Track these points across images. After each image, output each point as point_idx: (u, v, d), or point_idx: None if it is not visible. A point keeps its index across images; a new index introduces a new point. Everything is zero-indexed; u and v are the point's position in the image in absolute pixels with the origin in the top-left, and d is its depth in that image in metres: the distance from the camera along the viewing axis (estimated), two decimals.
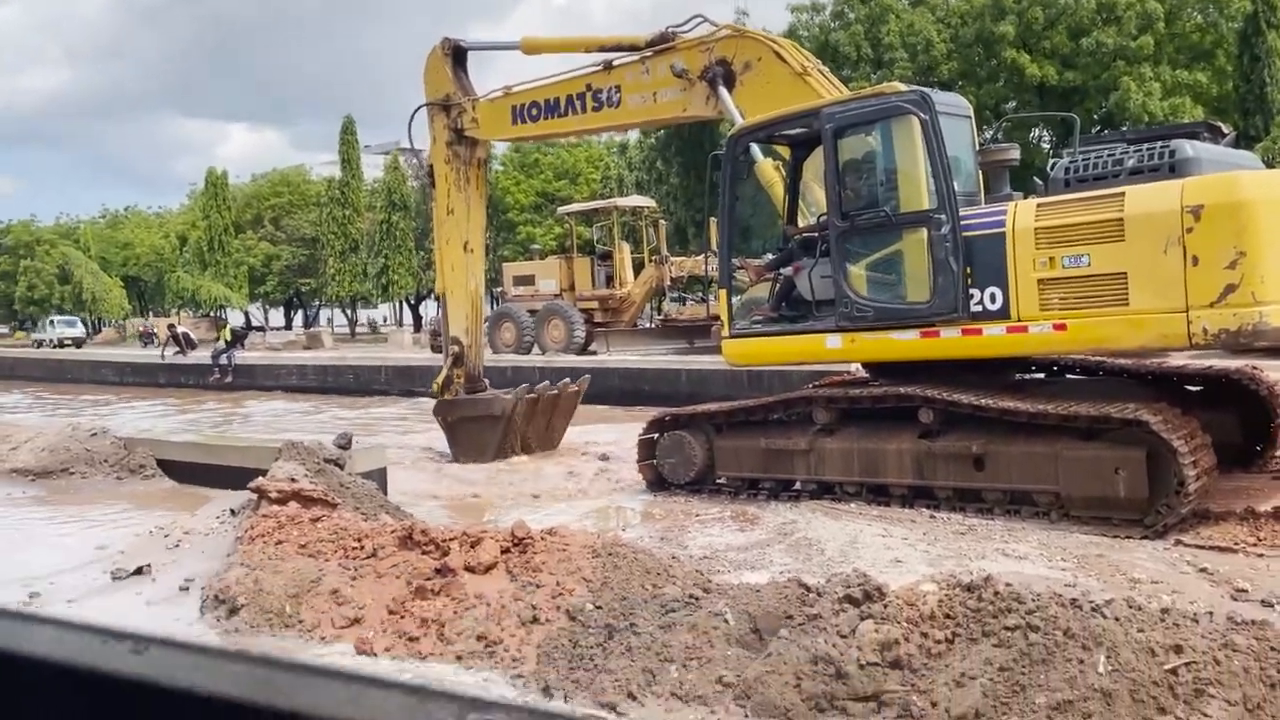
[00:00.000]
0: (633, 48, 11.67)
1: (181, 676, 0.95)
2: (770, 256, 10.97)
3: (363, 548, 6.88)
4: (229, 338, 30.94)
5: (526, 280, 30.47)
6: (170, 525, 8.92)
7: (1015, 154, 9.66)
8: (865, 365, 10.56)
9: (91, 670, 0.99)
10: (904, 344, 9.15)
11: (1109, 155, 8.55)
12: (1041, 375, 10.67)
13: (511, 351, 27.43)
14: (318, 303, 68.26)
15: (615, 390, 20.63)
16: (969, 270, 8.72)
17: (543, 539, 6.52)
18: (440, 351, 15.64)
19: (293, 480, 8.18)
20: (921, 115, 8.86)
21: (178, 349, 33.22)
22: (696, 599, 5.53)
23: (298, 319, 72.40)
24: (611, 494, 11.04)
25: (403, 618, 6.14)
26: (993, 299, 8.65)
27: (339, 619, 6.28)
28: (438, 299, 14.47)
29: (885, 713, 4.58)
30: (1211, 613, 4.91)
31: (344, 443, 10.11)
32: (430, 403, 14.55)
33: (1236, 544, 7.50)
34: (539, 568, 6.20)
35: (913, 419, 9.06)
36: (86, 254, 62.48)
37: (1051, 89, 33.58)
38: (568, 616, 5.68)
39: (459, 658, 5.67)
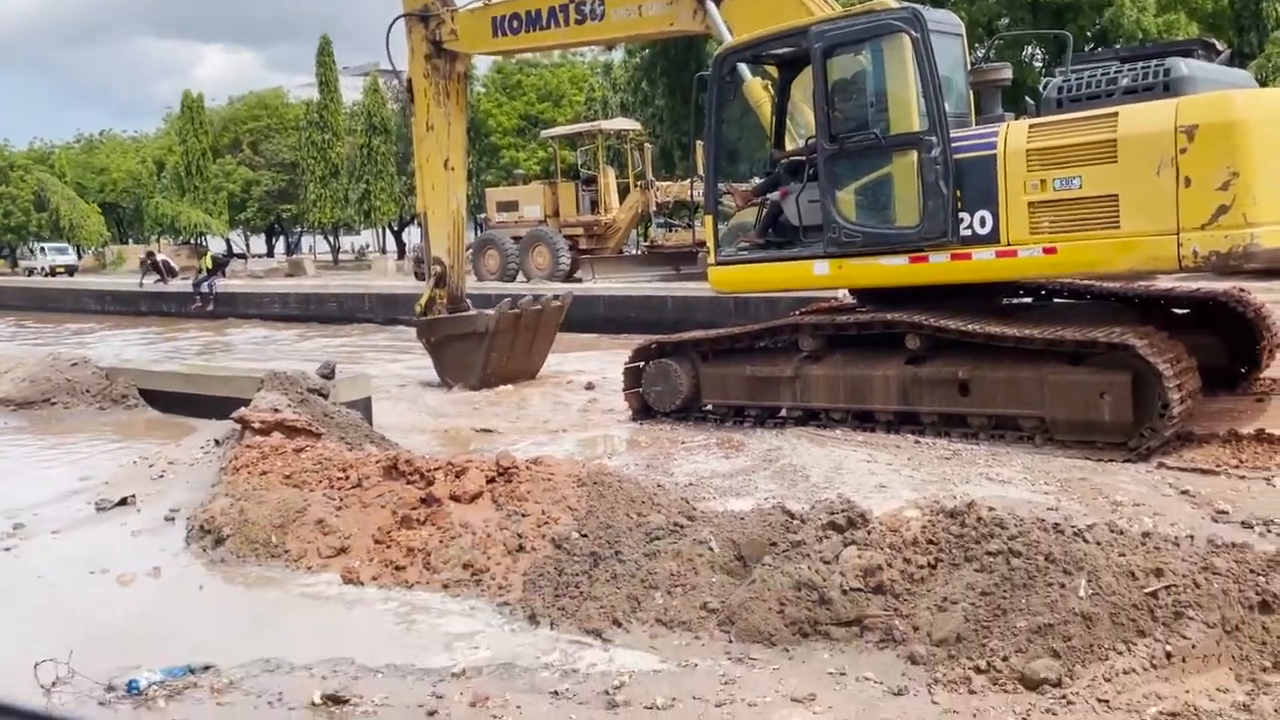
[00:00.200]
0: None
1: None
2: (757, 181, 10.80)
3: (348, 478, 6.87)
4: (209, 265, 30.60)
5: (510, 206, 30.11)
6: (154, 455, 8.88)
7: (1008, 73, 9.48)
8: (852, 291, 10.50)
9: None
10: (892, 269, 9.08)
11: (1102, 74, 8.40)
12: (1029, 300, 10.64)
13: (496, 279, 27.23)
14: (299, 229, 67.47)
15: (601, 318, 20.54)
16: (959, 193, 8.62)
17: (528, 468, 6.51)
18: (424, 279, 15.47)
19: (276, 410, 8.12)
20: (912, 33, 8.66)
21: (158, 277, 32.86)
22: (681, 527, 5.54)
23: (279, 246, 71.63)
24: (597, 423, 11.04)
25: (389, 547, 6.15)
26: (982, 223, 8.57)
27: (325, 549, 6.29)
28: (419, 222, 14.23)
29: (868, 637, 4.62)
30: (1192, 536, 4.95)
31: (327, 372, 10.03)
32: (414, 332, 14.44)
33: (1218, 466, 7.56)
34: (524, 497, 6.20)
35: (899, 345, 9.04)
36: (62, 180, 61.33)
37: (1045, 5, 32.96)
38: (553, 545, 5.70)
39: (445, 586, 5.70)
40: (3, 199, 60.04)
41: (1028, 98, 9.76)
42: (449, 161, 13.27)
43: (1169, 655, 4.10)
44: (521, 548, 5.79)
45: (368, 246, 71.83)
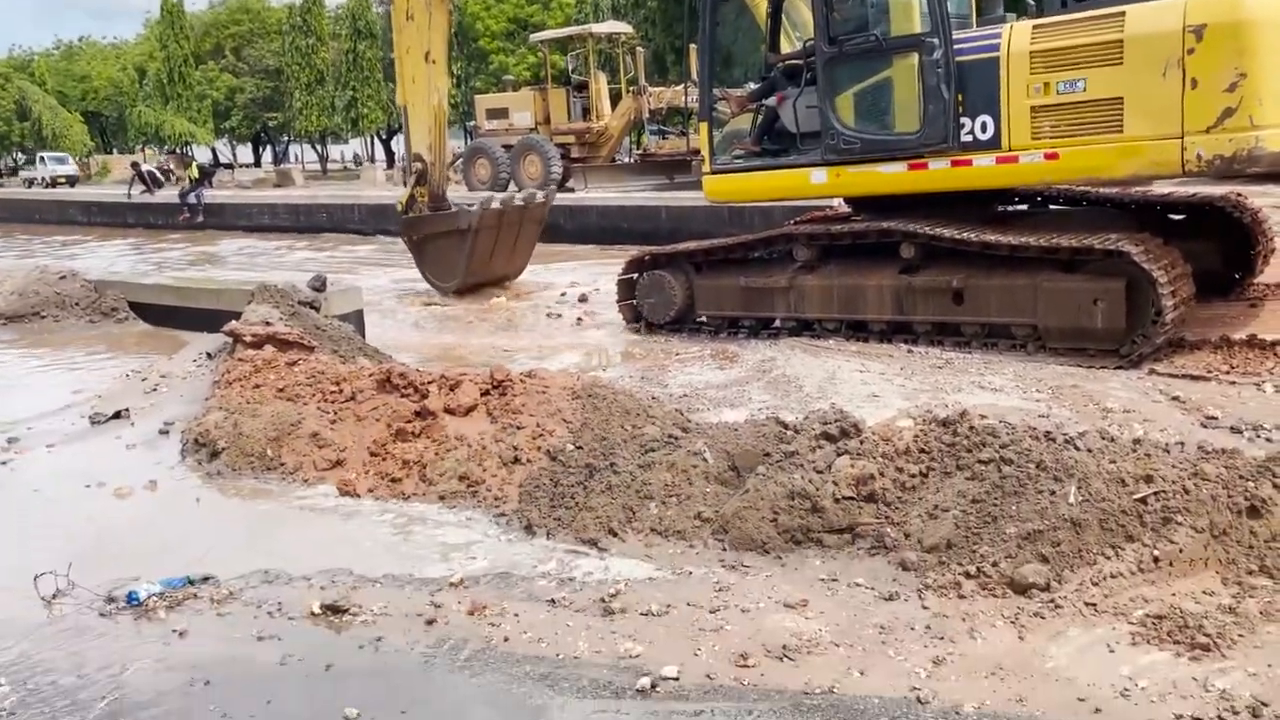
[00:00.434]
0: None
1: None
2: (753, 86, 10.56)
3: (341, 391, 6.86)
4: (196, 175, 30.11)
5: (500, 113, 29.52)
6: (147, 369, 8.85)
7: None
8: (848, 200, 10.37)
9: None
10: (891, 177, 8.95)
11: None
12: (1025, 206, 10.54)
13: (487, 189, 26.85)
14: (286, 138, 66.29)
15: (593, 229, 20.33)
16: (960, 98, 8.46)
17: (522, 381, 6.50)
18: None
19: (268, 324, 8.07)
20: None
21: (144, 187, 32.36)
22: (676, 438, 5.56)
23: (266, 156, 70.48)
24: (591, 335, 11.01)
25: (384, 460, 6.18)
26: (983, 128, 8.43)
27: (321, 461, 6.32)
28: (401, 118, 13.84)
29: (860, 544, 4.68)
30: (1183, 443, 4.98)
31: (318, 285, 9.95)
32: (404, 243, 14.27)
33: (1209, 372, 7.59)
34: (519, 410, 6.20)
35: (893, 254, 8.97)
36: (43, 89, 59.98)
37: None
38: (548, 457, 5.72)
39: (442, 498, 5.74)
40: None
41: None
42: (430, 54, 12.80)
43: (1156, 560, 4.17)
44: (517, 460, 5.82)
45: (355, 156, 70.74)
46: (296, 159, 69.31)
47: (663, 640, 4.04)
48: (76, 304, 12.39)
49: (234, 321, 8.12)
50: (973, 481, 4.62)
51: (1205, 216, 9.72)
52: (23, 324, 12.22)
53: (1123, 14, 7.77)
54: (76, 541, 5.41)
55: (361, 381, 6.89)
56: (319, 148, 59.79)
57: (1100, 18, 7.88)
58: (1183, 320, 8.17)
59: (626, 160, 31.91)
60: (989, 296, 8.54)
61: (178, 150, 52.87)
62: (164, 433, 7.32)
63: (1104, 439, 4.80)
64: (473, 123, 34.75)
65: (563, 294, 13.45)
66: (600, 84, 28.55)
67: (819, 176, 9.30)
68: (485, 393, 6.48)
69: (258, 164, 66.90)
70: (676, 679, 3.74)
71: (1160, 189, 10.47)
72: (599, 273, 14.64)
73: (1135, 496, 4.37)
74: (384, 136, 59.78)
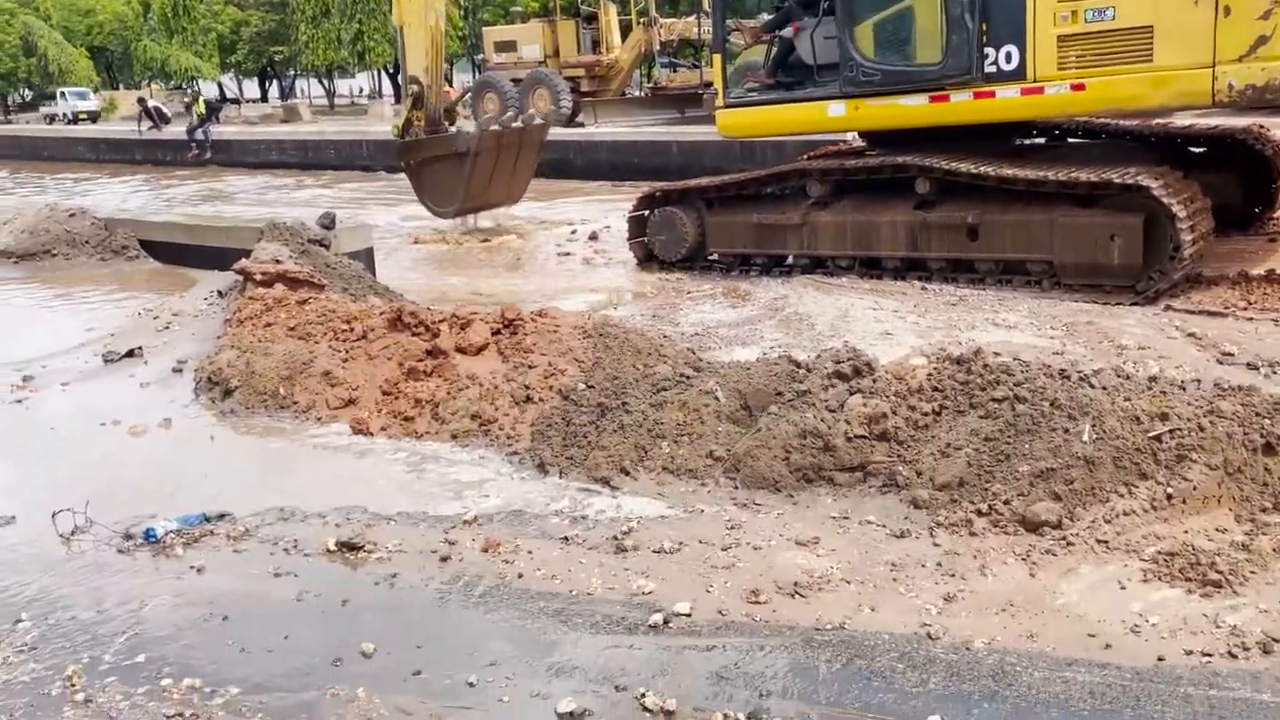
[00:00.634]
0: None
1: None
2: (767, 17, 10.33)
3: (352, 330, 6.85)
4: (203, 111, 29.82)
5: (508, 46, 29.03)
6: (158, 307, 8.86)
7: None
8: (862, 135, 10.20)
9: None
10: (912, 110, 8.75)
11: None
12: (1042, 140, 10.35)
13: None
14: (292, 73, 65.49)
15: (604, 164, 20.10)
16: (984, 27, 8.26)
17: (533, 320, 6.48)
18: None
19: (278, 262, 8.04)
20: None
21: (151, 123, 32.08)
22: (688, 377, 5.55)
23: (273, 91, 69.74)
24: (602, 273, 10.95)
25: (397, 398, 6.19)
26: (1008, 58, 8.24)
27: (333, 400, 6.34)
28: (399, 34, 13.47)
29: (871, 482, 4.69)
30: (1199, 380, 4.95)
31: (328, 222, 9.89)
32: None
33: (1226, 308, 7.52)
34: (530, 349, 6.19)
35: (908, 190, 8.85)
36: (48, 23, 59.20)
37: None
38: (560, 396, 5.72)
39: (454, 437, 5.76)
40: None
41: None
42: None
43: (1169, 497, 4.16)
44: (529, 399, 5.82)
45: (362, 90, 69.93)
46: (303, 94, 68.54)
47: (675, 577, 4.07)
48: (87, 242, 12.37)
49: (244, 260, 8.09)
50: (986, 420, 4.60)
51: (1226, 149, 9.56)
52: (34, 262, 12.22)
53: None
54: (93, 479, 5.46)
55: (372, 320, 6.88)
56: (326, 82, 59.08)
57: None
58: (1201, 255, 8.07)
59: (637, 94, 31.45)
60: (1004, 232, 8.44)
61: (184, 86, 52.31)
62: (177, 371, 7.35)
63: (1119, 376, 4.76)
64: (480, 56, 34.23)
65: (573, 231, 13.35)
66: (610, 15, 28.02)
67: (837, 110, 9.12)
68: (496, 332, 6.47)
69: (264, 99, 66.20)
70: (689, 615, 3.77)
71: (1181, 121, 10.27)
72: (609, 209, 14.52)
73: (1150, 434, 4.34)
74: (391, 71, 58.83)
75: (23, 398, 7.09)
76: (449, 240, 13.42)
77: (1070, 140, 10.38)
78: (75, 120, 44.54)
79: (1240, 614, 3.53)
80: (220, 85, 61.08)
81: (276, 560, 4.46)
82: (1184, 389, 4.69)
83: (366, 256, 10.22)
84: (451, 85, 48.92)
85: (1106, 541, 4.00)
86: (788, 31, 9.65)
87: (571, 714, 3.24)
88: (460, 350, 6.35)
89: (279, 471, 5.59)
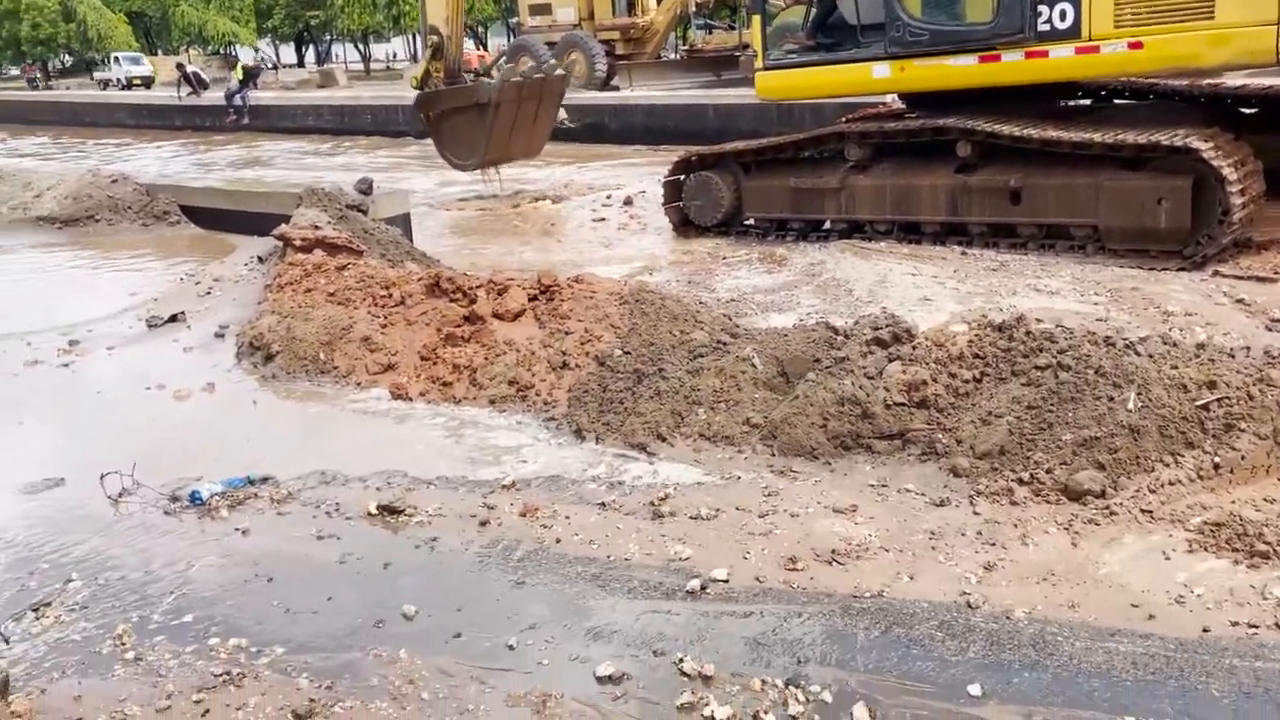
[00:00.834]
0: None
1: None
2: None
3: (391, 295, 6.89)
4: (241, 76, 29.94)
5: (543, 9, 28.81)
6: (200, 272, 8.97)
7: None
8: (903, 96, 10.01)
9: None
10: (961, 70, 8.54)
11: None
12: (1087, 101, 10.12)
13: None
14: (328, 38, 65.51)
15: (639, 129, 19.96)
16: None
17: (569, 286, 6.48)
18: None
19: (316, 227, 8.09)
20: None
21: (190, 89, 32.28)
22: (724, 344, 5.53)
23: (309, 56, 69.86)
24: (637, 238, 10.91)
25: (435, 364, 6.23)
26: (1062, 16, 8.01)
27: (373, 365, 6.39)
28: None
29: (910, 450, 4.65)
30: (1248, 347, 4.85)
31: (365, 188, 9.92)
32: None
33: (1276, 273, 7.35)
34: (567, 315, 6.19)
35: (948, 153, 8.70)
36: None
37: None
38: (597, 362, 5.73)
39: (492, 402, 5.79)
40: (30, 10, 58.60)
41: None
42: None
43: (1216, 467, 4.10)
44: (565, 365, 5.83)
45: (396, 55, 69.82)
46: (338, 58, 68.59)
47: (712, 543, 4.08)
48: (129, 207, 12.51)
49: (284, 225, 8.15)
50: (1028, 387, 4.55)
51: (1279, 109, 9.28)
52: (77, 227, 12.39)
53: None
54: (139, 442, 5.56)
55: (410, 286, 6.91)
56: (361, 47, 59.10)
57: None
58: (1251, 220, 7.88)
59: (672, 57, 31.14)
60: (1048, 196, 8.28)
61: (221, 51, 52.45)
62: (219, 336, 7.45)
63: (1165, 344, 4.68)
64: (515, 19, 34.02)
65: (608, 197, 13.29)
66: None
67: (881, 71, 8.93)
68: (533, 298, 6.48)
69: (300, 64, 66.34)
70: (726, 581, 3.78)
71: (1232, 81, 9.99)
72: (645, 174, 14.44)
73: (1197, 403, 4.27)
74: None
75: (70, 362, 7.22)
76: (483, 206, 13.42)
77: (1116, 101, 10.13)
78: (129, 85, 44.21)
79: None
80: (256, 50, 61.24)
81: (319, 523, 4.52)
82: (1232, 356, 4.61)
83: (404, 222, 10.25)
84: (486, 49, 48.71)
85: (1151, 511, 3.96)
86: None
87: (610, 677, 3.27)
88: (497, 316, 6.36)
89: (320, 435, 5.66)
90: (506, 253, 10.56)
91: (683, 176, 10.41)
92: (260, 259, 8.57)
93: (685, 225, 10.43)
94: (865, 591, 3.65)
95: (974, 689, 3.09)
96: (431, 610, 3.74)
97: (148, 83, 44.87)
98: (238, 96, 29.15)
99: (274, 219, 8.70)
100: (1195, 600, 3.44)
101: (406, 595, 3.84)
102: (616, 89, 24.68)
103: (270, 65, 56.25)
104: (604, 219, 11.89)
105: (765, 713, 3.04)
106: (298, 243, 7.83)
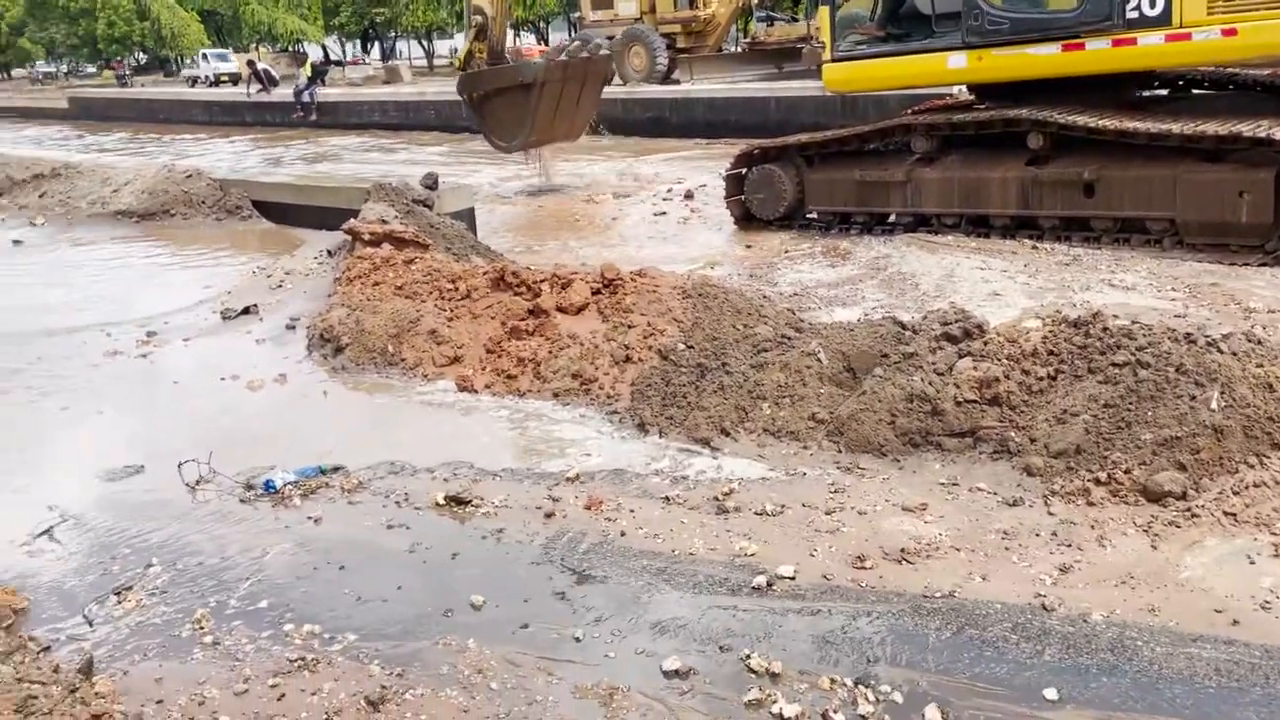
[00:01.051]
0: None
1: None
2: None
3: (457, 289, 6.96)
4: (309, 73, 30.48)
5: (605, 3, 28.80)
6: (271, 266, 9.15)
7: None
8: (972, 88, 9.83)
9: None
10: (1042, 59, 8.32)
11: None
12: (1164, 92, 9.84)
13: None
14: (393, 34, 66.36)
15: (700, 122, 19.91)
16: None
17: (632, 280, 6.48)
18: None
19: (384, 222, 8.20)
20: None
21: (260, 86, 32.95)
22: (788, 338, 5.48)
23: (375, 52, 70.82)
24: (698, 232, 10.87)
25: (500, 357, 6.28)
26: (1152, 3, 7.78)
27: (439, 358, 6.46)
28: None
29: (981, 448, 4.57)
30: None
31: (430, 183, 10.03)
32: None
33: None
34: (629, 309, 6.19)
35: (1018, 145, 8.52)
36: None
37: None
38: (660, 356, 5.72)
39: (556, 395, 5.81)
40: (106, 8, 60.25)
41: None
42: None
43: None
44: (629, 358, 5.83)
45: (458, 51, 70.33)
46: (403, 55, 69.43)
47: (778, 540, 4.05)
48: (203, 202, 12.81)
49: (353, 220, 8.27)
50: (1106, 385, 4.44)
51: None
52: (153, 221, 12.72)
53: None
54: (214, 431, 5.69)
55: (476, 280, 6.97)
56: (425, 43, 59.77)
57: None
58: None
59: (734, 50, 30.97)
60: (1123, 188, 8.08)
61: (290, 49, 53.30)
62: (290, 328, 7.59)
63: (1250, 341, 4.53)
64: (577, 14, 34.09)
65: (669, 190, 13.27)
66: None
67: (957, 61, 8.75)
68: (596, 291, 6.49)
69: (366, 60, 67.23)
70: (793, 578, 3.75)
71: None
72: (706, 168, 14.39)
73: None
74: None
75: (148, 353, 7.42)
76: (544, 197, 13.45)
77: (1194, 91, 9.84)
78: (217, 82, 44.66)
79: None
80: (324, 47, 62.26)
81: (389, 512, 4.59)
82: None
83: (468, 216, 10.34)
84: (547, 44, 48.84)
85: (1235, 514, 3.84)
86: None
87: (677, 672, 3.26)
88: (561, 310, 6.39)
89: (388, 426, 5.74)
90: (568, 246, 10.60)
91: (745, 170, 10.35)
92: (330, 253, 8.72)
93: (747, 219, 10.36)
94: (936, 591, 3.60)
95: (1050, 693, 3.03)
96: (499, 601, 3.77)
97: (235, 79, 45.30)
98: (305, 93, 29.67)
99: (342, 213, 8.84)
100: None
101: (474, 585, 3.88)
102: (677, 83, 24.60)
103: (337, 61, 57.11)
104: (665, 213, 11.87)
105: (834, 712, 3.02)
106: (366, 237, 7.95)
